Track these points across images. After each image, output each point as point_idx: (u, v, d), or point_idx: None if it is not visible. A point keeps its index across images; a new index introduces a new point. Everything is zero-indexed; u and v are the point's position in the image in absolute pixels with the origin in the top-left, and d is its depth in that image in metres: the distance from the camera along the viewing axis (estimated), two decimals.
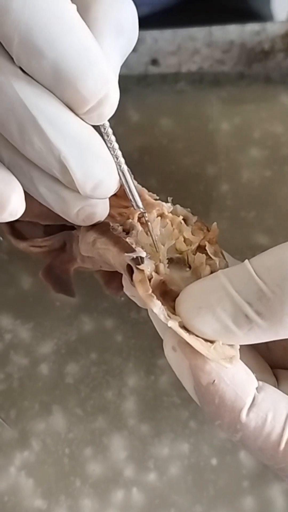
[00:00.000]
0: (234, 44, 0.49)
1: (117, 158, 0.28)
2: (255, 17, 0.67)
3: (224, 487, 0.36)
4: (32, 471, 0.37)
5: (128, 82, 0.51)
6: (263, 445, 0.27)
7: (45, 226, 0.36)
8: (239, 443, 0.27)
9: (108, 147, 0.27)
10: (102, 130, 0.27)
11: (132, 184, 0.29)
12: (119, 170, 0.28)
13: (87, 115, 0.25)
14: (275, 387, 0.28)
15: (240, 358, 0.27)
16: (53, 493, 0.36)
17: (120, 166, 0.28)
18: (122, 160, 0.28)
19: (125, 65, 0.49)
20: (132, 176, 0.29)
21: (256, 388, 0.27)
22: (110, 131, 0.27)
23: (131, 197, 0.29)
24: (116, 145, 0.27)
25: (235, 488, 0.36)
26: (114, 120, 0.47)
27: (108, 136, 0.27)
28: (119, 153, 0.28)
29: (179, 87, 0.51)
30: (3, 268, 0.43)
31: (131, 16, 0.28)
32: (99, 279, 0.38)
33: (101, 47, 0.25)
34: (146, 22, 0.51)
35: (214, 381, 0.26)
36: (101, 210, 0.29)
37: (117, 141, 0.27)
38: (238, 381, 0.26)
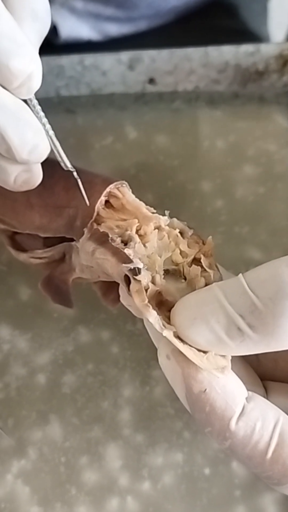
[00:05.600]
0: (229, 65, 0.50)
1: (45, 125, 0.31)
2: (252, 38, 0.68)
3: (217, 496, 0.36)
4: (28, 478, 0.37)
5: (126, 100, 0.52)
6: (251, 453, 0.27)
7: (45, 238, 0.36)
8: (228, 450, 0.28)
9: (36, 116, 0.30)
10: (29, 102, 0.30)
11: (59, 146, 0.32)
12: (47, 135, 0.31)
13: (17, 90, 0.28)
14: (264, 398, 0.29)
15: (232, 369, 0.28)
16: (49, 501, 0.36)
17: (48, 132, 0.31)
18: (49, 126, 0.31)
19: (123, 83, 0.51)
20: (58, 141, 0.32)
21: (246, 398, 0.28)
22: (35, 102, 0.30)
23: (59, 158, 0.32)
24: (42, 114, 0.30)
25: (227, 497, 0.36)
26: (112, 137, 0.49)
27: (35, 107, 0.30)
28: (45, 120, 0.31)
29: (175, 106, 0.52)
30: (2, 279, 0.44)
31: (43, 3, 0.30)
32: (97, 290, 0.38)
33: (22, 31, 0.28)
34: (144, 41, 0.52)
35: (205, 389, 0.27)
36: (36, 175, 0.31)
37: (42, 110, 0.31)
38: (229, 390, 0.27)
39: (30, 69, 0.28)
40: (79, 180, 0.33)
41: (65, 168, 0.33)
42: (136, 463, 0.37)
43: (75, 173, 0.33)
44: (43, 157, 0.30)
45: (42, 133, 0.30)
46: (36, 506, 0.37)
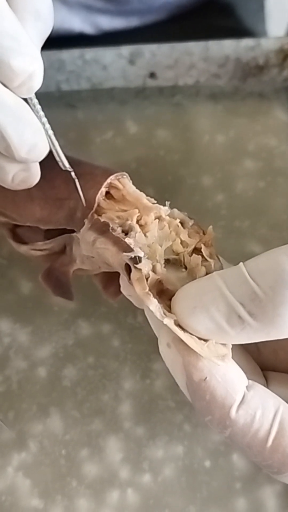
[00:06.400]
0: (229, 59, 0.50)
1: (44, 125, 0.31)
2: (249, 36, 0.68)
3: (217, 489, 0.36)
4: (29, 471, 0.37)
5: (127, 94, 0.52)
6: (251, 441, 0.27)
7: (45, 231, 0.36)
8: (228, 439, 0.28)
9: (36, 115, 0.30)
10: (29, 101, 0.30)
11: (58, 146, 0.32)
12: (46, 135, 0.31)
13: (18, 88, 0.28)
14: (264, 387, 0.29)
15: (232, 358, 0.28)
16: (49, 493, 0.37)
17: (47, 131, 0.31)
18: (48, 126, 0.31)
19: (123, 77, 0.51)
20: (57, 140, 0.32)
21: (246, 387, 0.28)
22: (36, 101, 0.30)
23: (57, 158, 0.32)
24: (42, 113, 0.31)
25: (227, 489, 0.36)
26: (112, 131, 0.49)
27: (35, 106, 0.30)
28: (45, 120, 0.31)
29: (176, 100, 0.52)
30: (3, 273, 0.44)
31: (46, 3, 0.30)
32: (97, 283, 0.38)
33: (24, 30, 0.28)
34: (141, 39, 0.52)
35: (206, 377, 0.27)
36: (34, 174, 0.32)
37: (42, 109, 0.31)
38: (229, 378, 0.27)
39: (32, 68, 0.28)
40: (76, 180, 0.33)
41: (63, 168, 0.33)
42: (137, 456, 0.38)
43: (73, 173, 0.33)
44: (42, 156, 0.30)
45: (42, 132, 0.30)
46: (37, 498, 0.37)
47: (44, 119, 0.31)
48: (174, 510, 0.36)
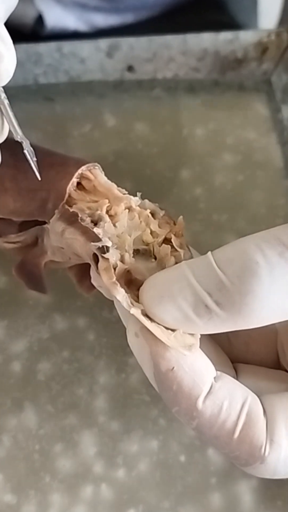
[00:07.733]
0: (208, 52, 0.50)
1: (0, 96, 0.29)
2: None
3: (192, 484, 0.36)
4: (2, 466, 0.37)
5: (105, 87, 0.52)
6: (218, 432, 0.27)
7: (20, 224, 0.36)
8: (196, 430, 0.27)
9: None
10: None
11: (12, 115, 0.30)
12: (2, 105, 0.29)
13: None
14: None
15: (202, 349, 0.27)
16: (22, 488, 0.36)
17: (3, 101, 0.29)
18: (3, 95, 0.29)
19: (101, 71, 0.51)
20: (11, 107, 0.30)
21: (214, 378, 0.27)
22: None
23: (11, 127, 0.30)
24: None
25: (203, 484, 0.36)
26: (91, 125, 0.49)
27: None
28: (0, 89, 0.29)
29: (154, 94, 0.52)
30: None
31: None
32: (72, 277, 0.38)
33: None
34: (136, 32, 0.52)
35: (173, 368, 0.26)
36: None
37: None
38: (197, 369, 0.27)
39: None
40: (27, 152, 0.32)
41: (16, 138, 0.31)
42: (111, 451, 0.37)
43: (24, 144, 0.31)
44: (1, 136, 0.29)
45: None
46: (10, 493, 0.36)
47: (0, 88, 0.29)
48: (148, 505, 0.36)
